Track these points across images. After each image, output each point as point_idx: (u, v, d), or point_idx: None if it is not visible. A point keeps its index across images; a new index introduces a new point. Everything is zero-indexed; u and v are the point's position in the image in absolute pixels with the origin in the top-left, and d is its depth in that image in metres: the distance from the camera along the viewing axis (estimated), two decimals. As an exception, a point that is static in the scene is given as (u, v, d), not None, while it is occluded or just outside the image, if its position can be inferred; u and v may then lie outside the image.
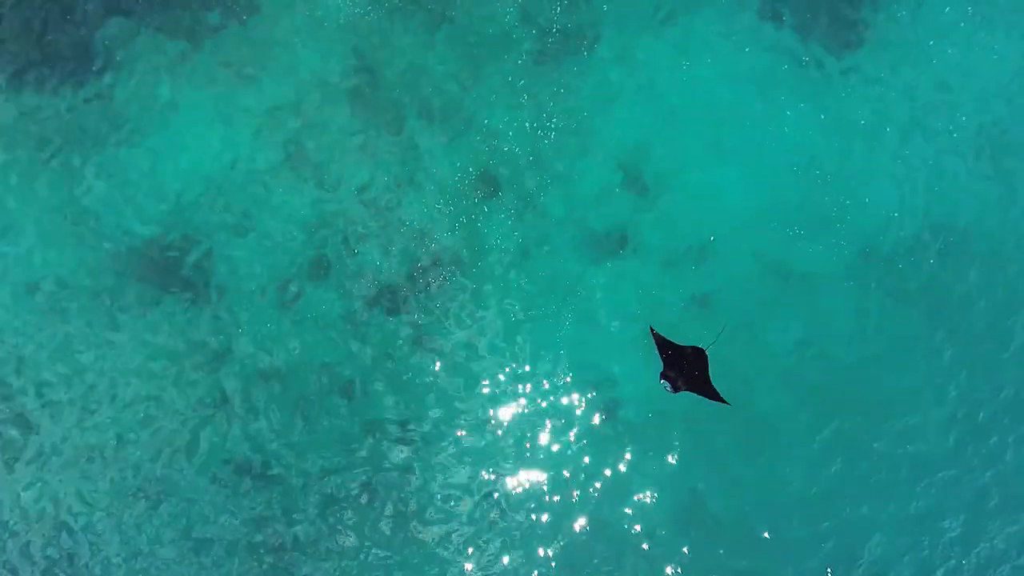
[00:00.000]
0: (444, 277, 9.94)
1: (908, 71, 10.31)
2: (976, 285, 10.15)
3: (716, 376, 8.62)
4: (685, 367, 7.53)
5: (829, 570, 9.67)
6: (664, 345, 7.62)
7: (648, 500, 9.77)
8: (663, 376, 7.56)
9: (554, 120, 10.09)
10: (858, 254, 10.10)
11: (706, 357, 7.57)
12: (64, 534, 9.28)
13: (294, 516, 9.57)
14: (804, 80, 10.22)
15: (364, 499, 9.63)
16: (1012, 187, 10.25)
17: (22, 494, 9.36)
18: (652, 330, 7.74)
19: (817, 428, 9.88)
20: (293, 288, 9.80)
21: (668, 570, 9.63)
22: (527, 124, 10.08)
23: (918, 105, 10.29)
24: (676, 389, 7.50)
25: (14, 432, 9.42)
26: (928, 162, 10.25)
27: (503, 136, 10.07)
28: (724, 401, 7.51)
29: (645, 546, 9.72)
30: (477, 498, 9.74)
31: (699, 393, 7.58)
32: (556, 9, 10.06)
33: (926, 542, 9.85)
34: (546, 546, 9.77)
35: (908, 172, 10.25)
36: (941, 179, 10.26)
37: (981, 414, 10.02)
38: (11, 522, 9.32)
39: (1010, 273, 10.14)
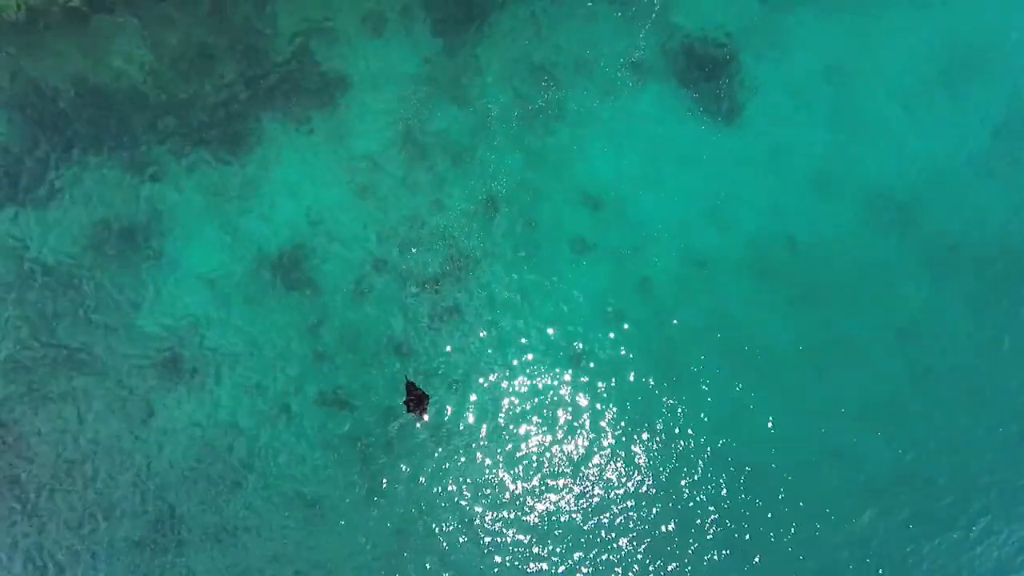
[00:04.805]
0: (466, 270, 14.15)
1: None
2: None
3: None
4: (417, 402, 13.56)
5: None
6: (410, 387, 13.54)
7: (684, 455, 14.18)
8: (406, 404, 13.57)
9: (540, 160, 14.77)
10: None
11: (427, 401, 13.60)
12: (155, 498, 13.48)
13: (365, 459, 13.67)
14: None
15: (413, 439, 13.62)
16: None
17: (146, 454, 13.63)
18: (407, 378, 13.72)
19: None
20: (366, 281, 14.29)
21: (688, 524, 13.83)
22: (519, 163, 14.85)
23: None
24: (410, 411, 13.51)
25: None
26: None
27: (503, 172, 14.62)
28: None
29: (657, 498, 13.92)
30: (503, 454, 13.52)
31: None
32: (544, 84, 14.49)
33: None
34: (569, 501, 13.64)
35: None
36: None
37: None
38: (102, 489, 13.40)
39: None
